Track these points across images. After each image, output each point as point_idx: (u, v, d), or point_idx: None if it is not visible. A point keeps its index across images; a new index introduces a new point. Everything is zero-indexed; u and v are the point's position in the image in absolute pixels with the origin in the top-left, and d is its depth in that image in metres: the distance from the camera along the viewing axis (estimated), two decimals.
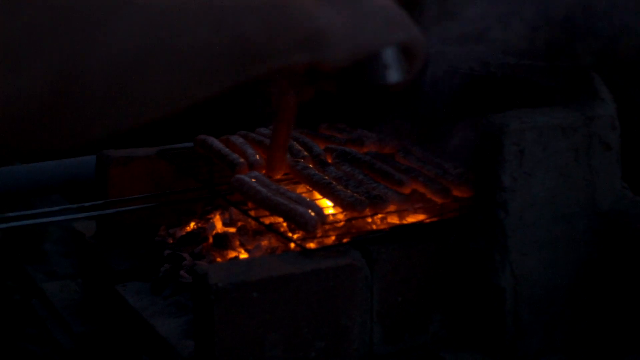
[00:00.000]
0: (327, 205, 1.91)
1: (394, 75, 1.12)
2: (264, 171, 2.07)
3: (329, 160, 2.11)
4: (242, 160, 2.09)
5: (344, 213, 1.84)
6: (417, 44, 1.14)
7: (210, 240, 2.04)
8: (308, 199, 1.82)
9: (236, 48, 0.89)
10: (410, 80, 1.17)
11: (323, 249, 1.68)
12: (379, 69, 1.11)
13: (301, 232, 1.77)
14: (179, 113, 0.89)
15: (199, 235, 2.06)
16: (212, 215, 2.15)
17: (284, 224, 1.85)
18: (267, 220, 1.87)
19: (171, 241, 2.11)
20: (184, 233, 2.12)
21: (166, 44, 0.81)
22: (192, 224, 2.16)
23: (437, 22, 2.09)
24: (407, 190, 1.90)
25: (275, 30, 0.94)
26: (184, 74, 0.84)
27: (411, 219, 1.85)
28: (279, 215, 1.79)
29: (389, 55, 1.10)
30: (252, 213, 1.93)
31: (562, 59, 1.93)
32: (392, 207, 1.84)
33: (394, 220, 1.85)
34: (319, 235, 1.75)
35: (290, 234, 1.82)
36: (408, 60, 1.14)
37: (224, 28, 0.87)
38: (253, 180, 1.93)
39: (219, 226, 2.10)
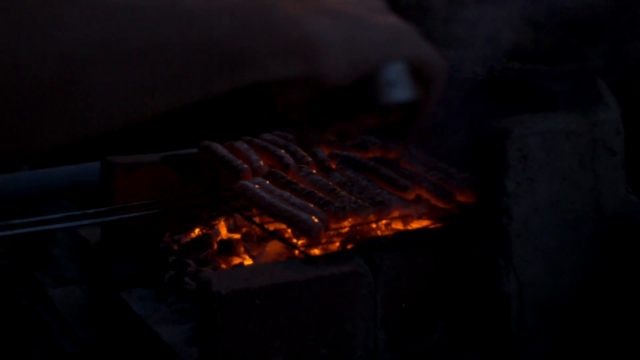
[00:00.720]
0: None
1: (398, 93, 1.02)
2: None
3: (333, 166, 2.11)
4: (246, 166, 2.09)
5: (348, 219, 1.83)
6: (432, 64, 1.04)
7: (215, 246, 2.04)
8: (312, 205, 1.81)
9: (207, 52, 0.82)
10: (429, 103, 1.07)
11: (326, 256, 1.68)
12: (382, 87, 1.01)
13: (305, 239, 1.76)
14: (159, 119, 0.83)
15: (203, 241, 2.06)
16: (217, 222, 2.15)
17: (289, 230, 1.85)
18: (271, 227, 1.86)
19: (176, 247, 2.11)
20: (188, 239, 2.12)
21: (119, 40, 0.76)
22: (197, 230, 2.16)
23: (441, 25, 2.09)
24: (411, 196, 1.90)
25: (254, 35, 0.87)
26: (142, 75, 0.78)
27: (415, 224, 1.85)
28: (283, 221, 1.79)
29: (394, 72, 1.01)
30: (257, 219, 1.93)
31: (570, 63, 1.91)
32: (396, 213, 1.83)
33: (398, 226, 1.85)
34: (323, 241, 1.75)
35: (295, 240, 1.82)
36: (425, 84, 1.04)
37: (191, 29, 0.81)
38: (257, 186, 1.92)
39: (223, 232, 2.10)
